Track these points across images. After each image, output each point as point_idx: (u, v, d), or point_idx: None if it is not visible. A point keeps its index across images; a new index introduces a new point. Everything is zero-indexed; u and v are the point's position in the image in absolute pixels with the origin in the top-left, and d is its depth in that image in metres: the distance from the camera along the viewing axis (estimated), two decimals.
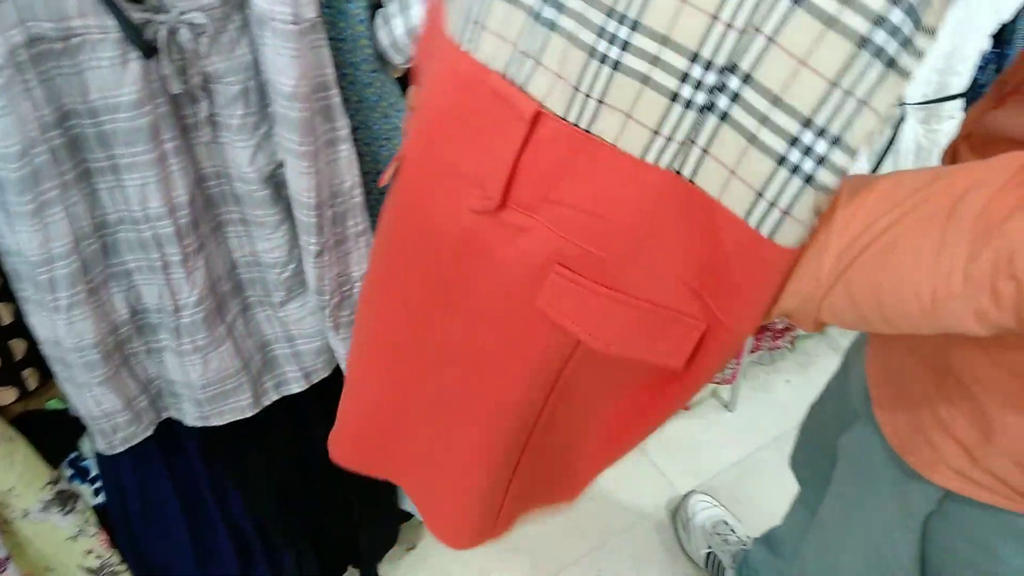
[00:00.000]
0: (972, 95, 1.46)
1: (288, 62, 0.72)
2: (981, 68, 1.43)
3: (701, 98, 0.48)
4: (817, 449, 0.94)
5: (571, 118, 0.52)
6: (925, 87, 1.36)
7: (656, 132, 0.50)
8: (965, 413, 0.59)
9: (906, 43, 0.41)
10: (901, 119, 1.36)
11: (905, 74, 0.42)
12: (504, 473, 0.77)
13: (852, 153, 0.45)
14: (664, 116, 0.49)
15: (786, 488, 1.11)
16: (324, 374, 1.01)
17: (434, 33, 0.65)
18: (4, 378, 0.89)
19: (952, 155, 0.61)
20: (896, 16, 0.41)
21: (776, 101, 0.46)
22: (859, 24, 0.42)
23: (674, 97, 0.49)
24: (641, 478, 1.60)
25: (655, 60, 0.48)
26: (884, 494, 0.70)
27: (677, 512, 1.55)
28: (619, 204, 0.54)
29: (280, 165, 0.83)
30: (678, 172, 0.51)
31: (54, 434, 1.02)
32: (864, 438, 0.72)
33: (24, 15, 0.64)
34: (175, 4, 0.69)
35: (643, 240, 0.54)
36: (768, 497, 1.31)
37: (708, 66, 0.47)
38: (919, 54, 0.41)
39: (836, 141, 0.45)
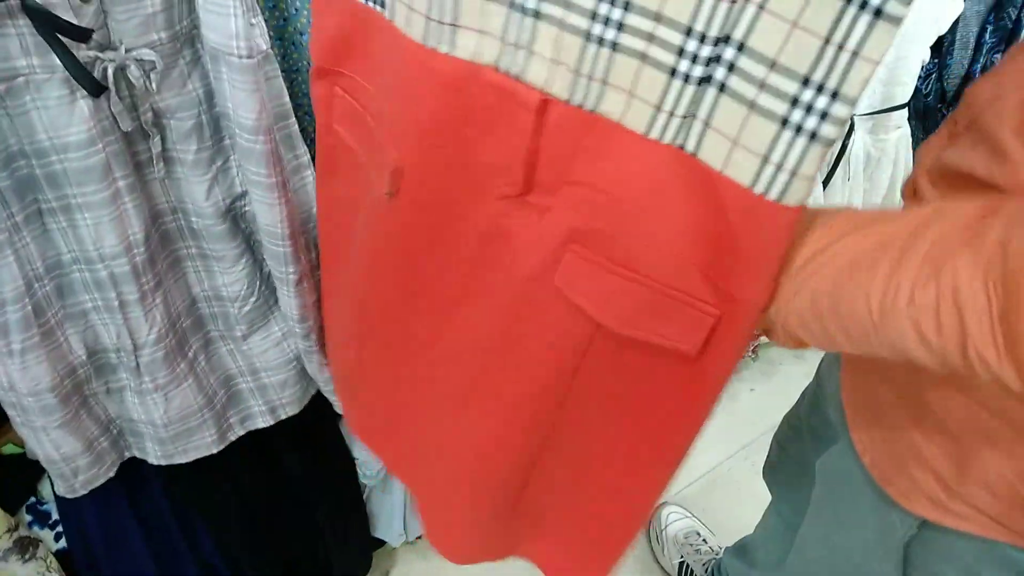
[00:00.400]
0: (916, 104, 1.51)
1: (247, 96, 0.72)
2: (923, 78, 1.48)
3: (699, 71, 0.49)
4: (792, 462, 0.95)
5: (576, 101, 0.54)
6: (871, 98, 1.40)
7: (658, 108, 0.51)
8: (940, 446, 0.60)
9: None
10: (850, 130, 1.39)
11: (895, 20, 0.42)
12: (518, 474, 0.76)
13: (852, 103, 0.46)
14: (664, 92, 0.51)
15: (757, 497, 1.12)
16: (292, 410, 1.00)
17: (351, 36, 0.65)
18: None
19: (912, 189, 0.63)
20: None
21: (773, 65, 0.46)
22: None
23: (672, 72, 0.50)
24: None
25: (651, 37, 0.49)
26: (864, 518, 0.71)
27: (650, 524, 1.55)
28: (627, 182, 0.55)
29: (238, 198, 0.82)
30: (682, 147, 0.52)
31: (11, 479, 0.99)
32: (843, 461, 0.73)
33: None
34: (122, 41, 0.68)
35: (651, 218, 0.55)
36: (739, 507, 1.32)
37: (702, 39, 0.48)
38: (906, 2, 0.42)
39: (835, 95, 0.45)
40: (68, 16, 0.64)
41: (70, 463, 0.87)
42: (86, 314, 0.81)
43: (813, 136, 0.47)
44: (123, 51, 0.68)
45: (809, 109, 0.46)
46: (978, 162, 0.53)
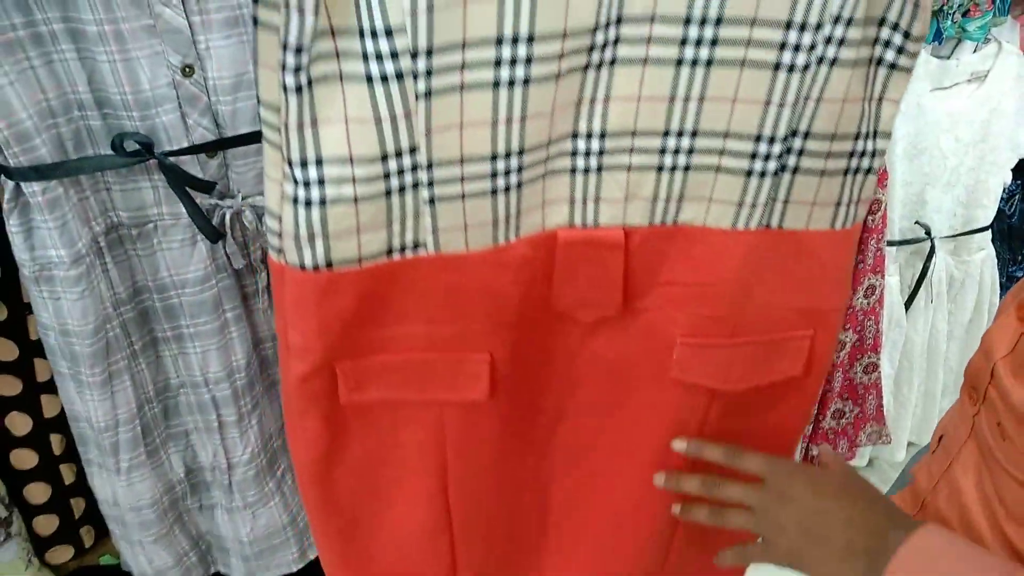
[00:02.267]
0: (999, 226, 1.49)
1: None
2: (1005, 199, 1.47)
3: (772, 165, 0.56)
4: None
5: (655, 222, 0.58)
6: (952, 220, 1.39)
7: (740, 204, 0.57)
8: None
9: (900, 50, 0.53)
10: (931, 252, 1.38)
11: (907, 70, 0.53)
12: (658, 538, 0.77)
13: (889, 136, 0.57)
14: (743, 190, 0.56)
15: None
16: None
17: (374, 298, 0.58)
18: (62, 537, 0.92)
19: (990, 374, 0.59)
20: (885, 33, 0.53)
21: (833, 137, 0.55)
22: (866, 53, 0.53)
23: (748, 173, 0.55)
24: None
25: (722, 152, 0.55)
26: None
27: None
28: (721, 269, 0.60)
29: None
30: (767, 226, 0.58)
31: None
32: None
33: (105, 207, 0.71)
34: (240, 190, 0.75)
35: (749, 290, 0.61)
36: None
37: (772, 140, 0.54)
38: (912, 56, 0.53)
39: (875, 134, 0.57)
40: (195, 170, 0.71)
41: None
42: (187, 434, 0.86)
43: (868, 171, 0.58)
44: (240, 199, 0.75)
45: (863, 154, 0.57)
46: None
